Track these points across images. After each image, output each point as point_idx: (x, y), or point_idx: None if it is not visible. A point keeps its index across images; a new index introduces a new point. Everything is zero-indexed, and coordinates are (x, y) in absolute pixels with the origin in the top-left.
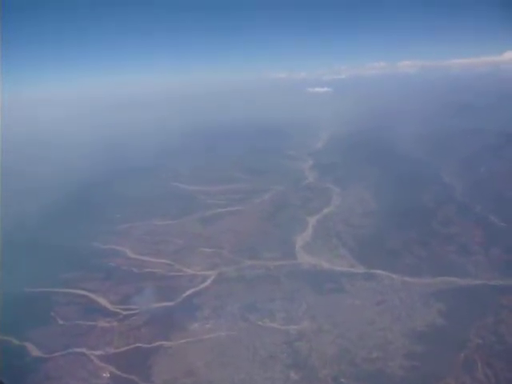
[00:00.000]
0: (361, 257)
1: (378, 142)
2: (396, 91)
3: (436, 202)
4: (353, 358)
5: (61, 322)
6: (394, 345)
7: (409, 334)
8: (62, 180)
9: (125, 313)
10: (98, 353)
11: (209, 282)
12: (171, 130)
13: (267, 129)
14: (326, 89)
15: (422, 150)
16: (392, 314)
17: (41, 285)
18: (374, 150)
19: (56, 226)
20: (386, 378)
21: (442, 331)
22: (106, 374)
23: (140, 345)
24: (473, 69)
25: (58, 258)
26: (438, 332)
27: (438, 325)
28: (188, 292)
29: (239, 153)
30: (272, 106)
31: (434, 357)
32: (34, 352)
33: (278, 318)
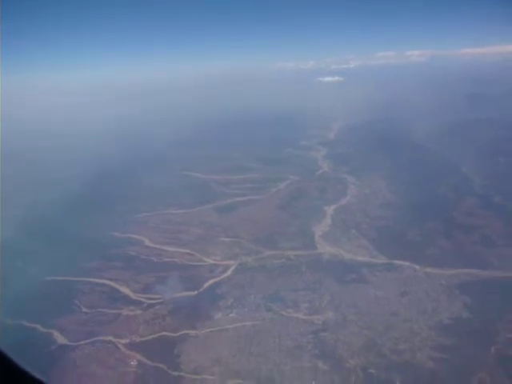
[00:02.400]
0: (381, 247)
1: (391, 132)
2: (406, 81)
3: (455, 193)
4: (380, 348)
5: (85, 309)
6: (420, 336)
7: (435, 326)
8: (76, 170)
9: (148, 302)
10: (125, 341)
11: (230, 271)
12: (183, 119)
13: (280, 118)
14: (336, 78)
15: (436, 139)
16: (417, 306)
17: (62, 274)
18: (387, 139)
19: (73, 215)
20: (415, 370)
21: (469, 324)
22: (134, 362)
23: (166, 333)
24: (483, 58)
25: (78, 248)
26: (465, 325)
27: (464, 317)
28: (210, 281)
29: (252, 142)
30: (283, 95)
31: (464, 350)
32: (60, 339)
33: (302, 308)
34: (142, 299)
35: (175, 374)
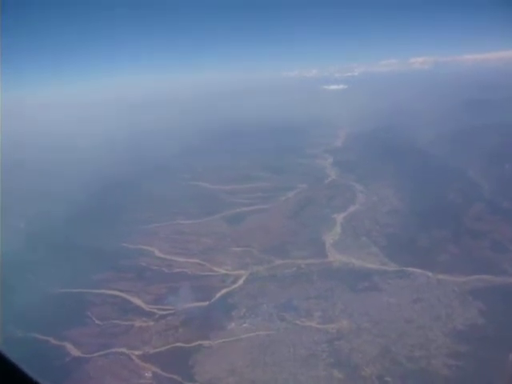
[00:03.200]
0: (392, 255)
1: (396, 139)
2: (411, 88)
3: (462, 199)
4: (395, 356)
5: (97, 321)
6: (435, 343)
7: (450, 333)
8: (83, 181)
9: (160, 313)
10: (138, 352)
11: (241, 281)
12: (187, 129)
13: (286, 127)
14: (341, 86)
15: (442, 146)
16: (430, 313)
17: (73, 285)
18: (393, 146)
19: (82, 227)
20: (431, 377)
21: (484, 331)
22: (149, 374)
23: (179, 344)
24: (485, 64)
25: (88, 259)
26: (481, 332)
27: (479, 324)
28: (221, 292)
29: (259, 151)
30: (288, 104)
31: (480, 357)
32: (74, 352)
33: (316, 317)
34: (154, 310)
35: None
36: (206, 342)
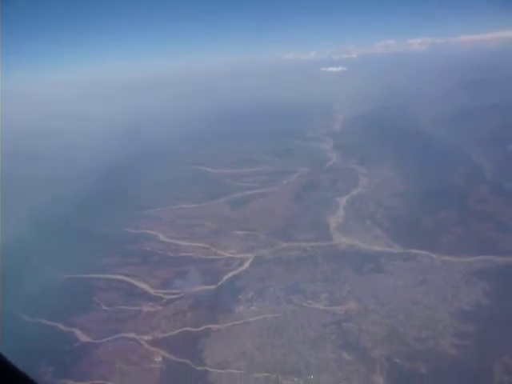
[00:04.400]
0: (397, 237)
1: (397, 121)
2: (409, 69)
3: (465, 180)
4: (403, 337)
5: (104, 307)
6: (442, 324)
7: (456, 313)
8: (84, 167)
9: (167, 297)
10: (147, 337)
11: (247, 264)
12: (186, 112)
13: (285, 110)
14: (340, 68)
15: (443, 127)
16: (436, 294)
17: (79, 271)
18: (394, 128)
19: (85, 212)
20: (439, 357)
21: (489, 311)
22: (158, 358)
23: (188, 328)
24: (484, 45)
25: (92, 244)
26: (486, 311)
27: (484, 304)
28: (228, 275)
29: (259, 135)
30: (287, 86)
31: (486, 336)
32: (83, 338)
33: (323, 299)
34: (161, 295)
35: (200, 369)
36: (214, 326)
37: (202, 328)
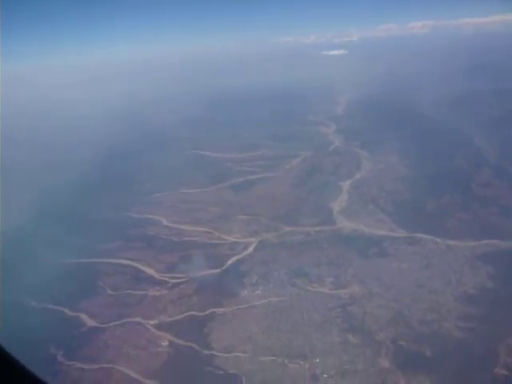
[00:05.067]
0: (401, 221)
1: (399, 105)
2: (411, 53)
3: (469, 164)
4: (408, 320)
5: (110, 291)
6: (447, 307)
7: (461, 296)
8: (84, 151)
9: (173, 281)
10: (154, 322)
11: (251, 248)
12: (187, 96)
13: (287, 94)
14: (341, 51)
15: (445, 111)
16: (441, 278)
17: (83, 256)
18: (396, 112)
19: (87, 197)
20: (444, 340)
21: (494, 294)
22: (165, 343)
23: (194, 313)
24: (485, 28)
25: (96, 229)
26: (490, 295)
27: (488, 287)
28: (232, 259)
29: (261, 119)
30: (288, 70)
31: (490, 319)
32: (89, 322)
33: (327, 283)
34: (167, 279)
35: (207, 352)
36: (219, 310)
37: (207, 312)
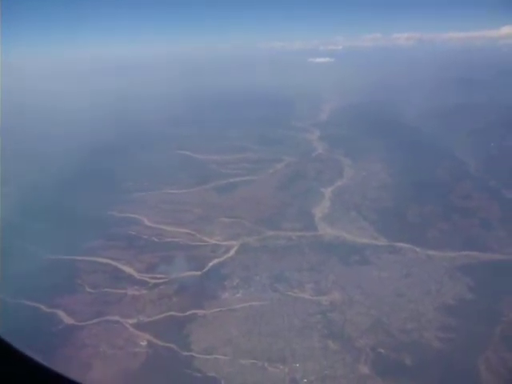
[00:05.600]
0: (382, 229)
1: (383, 114)
2: (396, 64)
3: (450, 176)
4: (388, 328)
5: (89, 289)
6: (426, 317)
7: (440, 307)
8: (67, 146)
9: (152, 281)
10: (132, 321)
11: (232, 251)
12: (173, 96)
13: (273, 99)
14: (327, 59)
15: (428, 123)
16: (421, 287)
17: (63, 252)
18: (380, 122)
19: (69, 193)
20: (423, 349)
21: (473, 305)
22: (144, 342)
23: (173, 313)
24: (470, 43)
25: (76, 226)
26: (470, 306)
27: (468, 299)
28: (213, 262)
29: (245, 122)
30: (275, 75)
31: (469, 330)
32: (67, 319)
33: (308, 289)
34: (147, 279)
35: (186, 354)
36: (200, 312)
37: (187, 313)
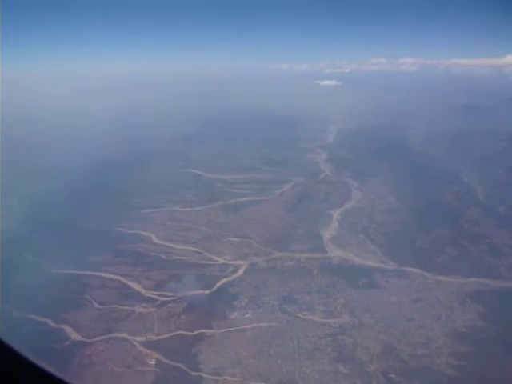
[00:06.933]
0: (391, 253)
1: (390, 138)
2: (402, 89)
3: (459, 201)
4: (398, 353)
5: (97, 305)
6: (437, 343)
7: (450, 333)
8: (76, 163)
9: (161, 299)
10: (140, 339)
11: (241, 271)
12: (183, 114)
13: (280, 120)
14: (334, 82)
15: (435, 148)
16: (430, 313)
17: (71, 267)
18: (387, 145)
19: (78, 209)
20: (435, 376)
21: (484, 333)
22: (152, 361)
23: (182, 332)
24: (474, 70)
25: (85, 241)
26: (481, 334)
27: (478, 326)
28: (222, 281)
29: (253, 142)
30: (282, 96)
31: (482, 358)
32: (74, 335)
33: (318, 311)
34: (155, 296)
35: (195, 374)
36: (209, 331)
37: (196, 332)
